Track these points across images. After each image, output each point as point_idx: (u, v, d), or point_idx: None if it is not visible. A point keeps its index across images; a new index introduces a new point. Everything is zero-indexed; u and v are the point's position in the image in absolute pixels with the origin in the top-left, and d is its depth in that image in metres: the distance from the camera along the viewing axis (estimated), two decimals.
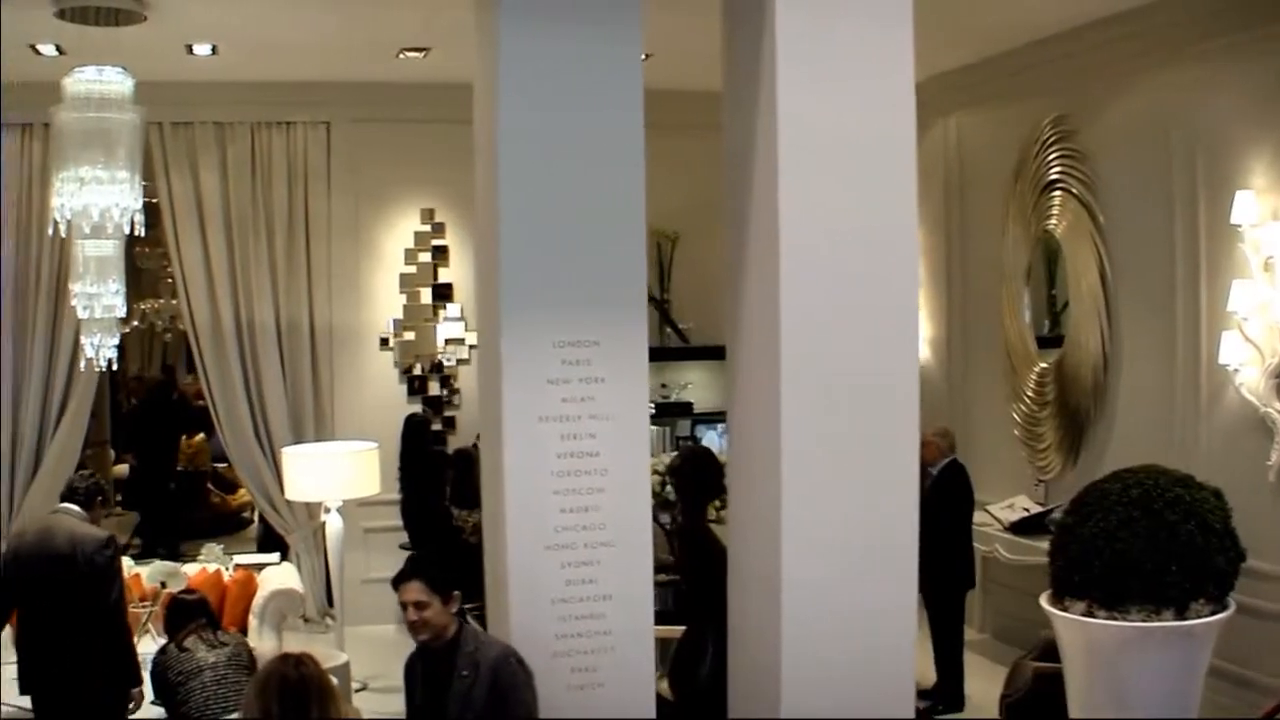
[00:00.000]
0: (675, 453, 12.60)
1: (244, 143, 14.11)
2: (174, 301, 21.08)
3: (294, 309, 14.21)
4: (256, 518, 18.68)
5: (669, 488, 10.83)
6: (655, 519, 8.46)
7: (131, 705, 9.02)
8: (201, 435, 19.65)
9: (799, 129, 7.29)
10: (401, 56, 12.71)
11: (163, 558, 14.54)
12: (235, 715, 8.38)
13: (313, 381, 14.32)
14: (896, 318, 7.51)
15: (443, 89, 13.45)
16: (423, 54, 12.61)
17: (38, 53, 12.05)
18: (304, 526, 14.20)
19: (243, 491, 19.21)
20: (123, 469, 19.45)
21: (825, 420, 7.31)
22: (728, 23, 7.96)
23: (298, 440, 13.72)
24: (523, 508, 7.54)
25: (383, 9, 11.07)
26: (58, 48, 11.86)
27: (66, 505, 8.98)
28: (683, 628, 9.51)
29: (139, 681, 8.95)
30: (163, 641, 10.22)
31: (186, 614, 8.95)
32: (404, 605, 6.99)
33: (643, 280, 7.81)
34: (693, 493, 9.54)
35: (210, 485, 19.08)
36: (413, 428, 13.98)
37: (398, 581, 7.05)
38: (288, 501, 13.84)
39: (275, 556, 12.94)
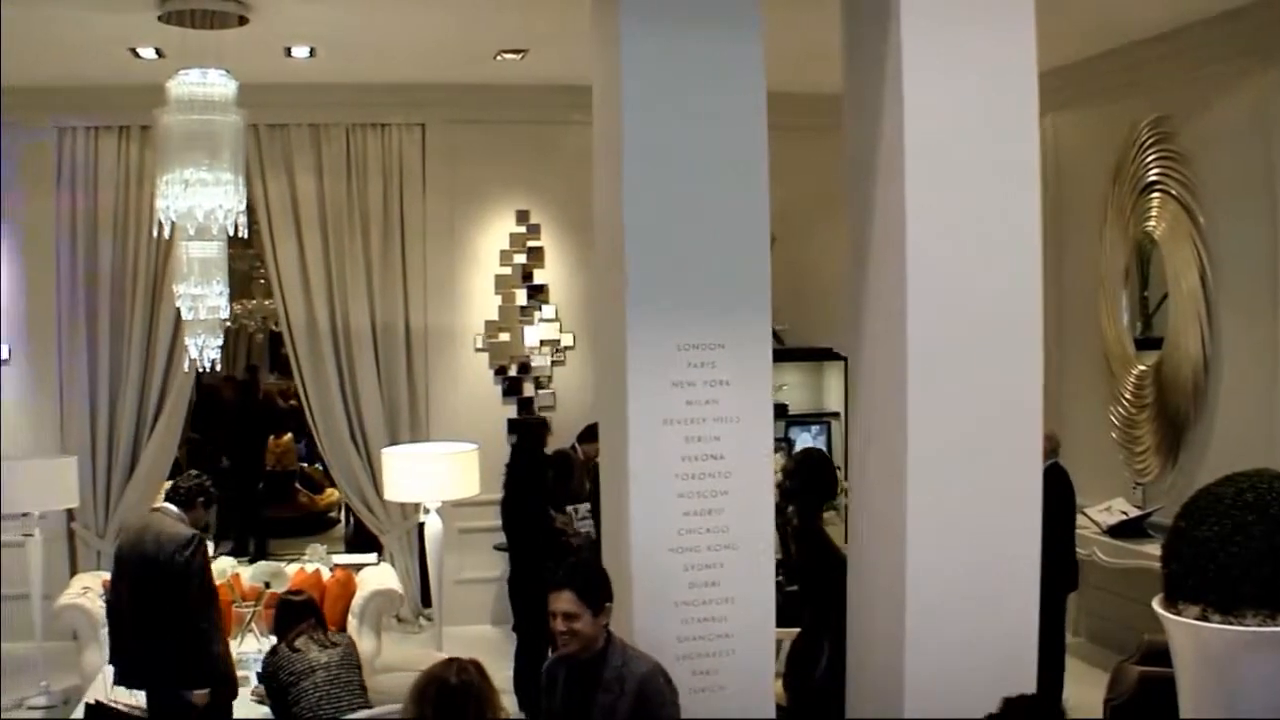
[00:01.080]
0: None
1: (339, 144, 14.18)
2: (266, 302, 21.23)
3: (389, 310, 14.26)
4: (343, 518, 18.79)
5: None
6: None
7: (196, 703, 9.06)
8: (289, 435, 19.72)
9: (925, 130, 7.28)
10: (499, 58, 12.69)
11: (252, 557, 14.65)
12: (359, 715, 8.44)
13: (407, 383, 14.37)
14: (1021, 323, 7.47)
15: (539, 90, 13.60)
16: (520, 55, 12.59)
17: (137, 56, 12.10)
18: (398, 527, 14.25)
19: (330, 491, 19.30)
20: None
21: (951, 423, 7.31)
22: (848, 24, 7.95)
23: (393, 441, 13.77)
24: (647, 510, 7.54)
25: (483, 11, 11.08)
26: (158, 51, 11.91)
27: (166, 505, 9.06)
28: (794, 630, 9.48)
29: (213, 684, 8.73)
30: (266, 642, 10.33)
31: (295, 614, 8.99)
32: (553, 615, 6.82)
33: (766, 283, 7.78)
34: (808, 495, 9.51)
35: (298, 485, 19.12)
36: (530, 430, 13.92)
37: (550, 589, 6.94)
38: (382, 501, 13.91)
39: (373, 557, 12.96)
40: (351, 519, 17.68)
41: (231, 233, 10.12)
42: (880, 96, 7.47)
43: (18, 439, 13.87)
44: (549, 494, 11.92)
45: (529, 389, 14.71)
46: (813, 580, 9.36)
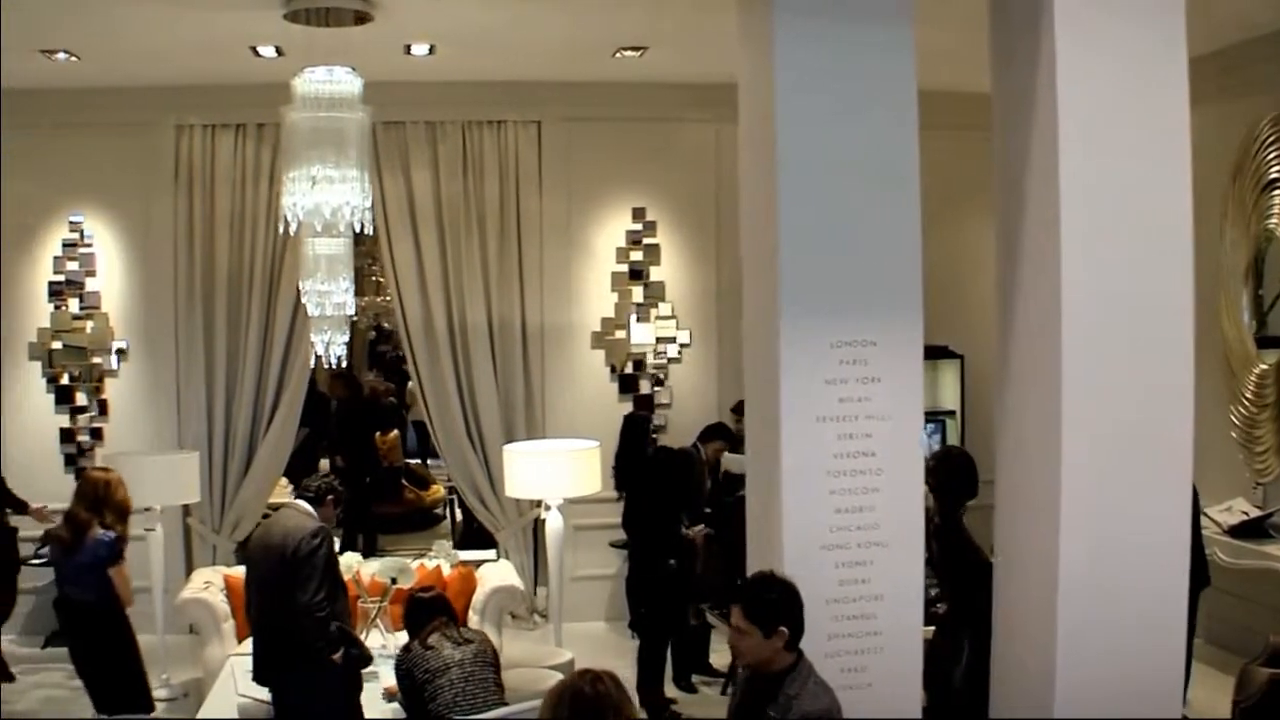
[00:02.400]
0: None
1: (455, 142, 14.18)
2: (378, 299, 21.30)
3: (505, 307, 14.26)
4: (449, 514, 18.82)
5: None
6: None
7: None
8: (395, 432, 19.75)
9: (1079, 128, 7.26)
10: (618, 56, 12.65)
11: (363, 554, 14.69)
12: (494, 713, 8.42)
13: (524, 380, 14.37)
14: (1174, 318, 7.42)
15: (656, 87, 13.58)
16: (640, 53, 12.55)
17: (257, 54, 12.17)
18: (513, 523, 14.25)
19: (436, 488, 19.34)
20: (324, 465, 19.61)
21: (1106, 420, 7.26)
22: (997, 23, 7.91)
23: (509, 439, 13.78)
24: (800, 507, 7.52)
25: (606, 9, 11.05)
26: (277, 49, 11.97)
27: (296, 501, 9.18)
28: (931, 628, 9.41)
29: (342, 645, 8.88)
30: (390, 638, 10.35)
31: (427, 611, 8.98)
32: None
33: (918, 279, 7.74)
34: (949, 493, 9.44)
35: (404, 481, 19.12)
36: (632, 426, 13.93)
37: (730, 600, 6.88)
38: (497, 498, 13.94)
39: (492, 553, 12.96)
40: (459, 515, 17.76)
41: (358, 230, 10.14)
42: (1032, 95, 7.43)
43: (136, 435, 14.05)
44: (672, 493, 11.85)
45: (645, 386, 14.67)
46: (954, 579, 9.29)
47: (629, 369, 14.67)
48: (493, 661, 8.85)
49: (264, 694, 9.34)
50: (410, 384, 22.45)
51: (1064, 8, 7.26)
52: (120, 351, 14.31)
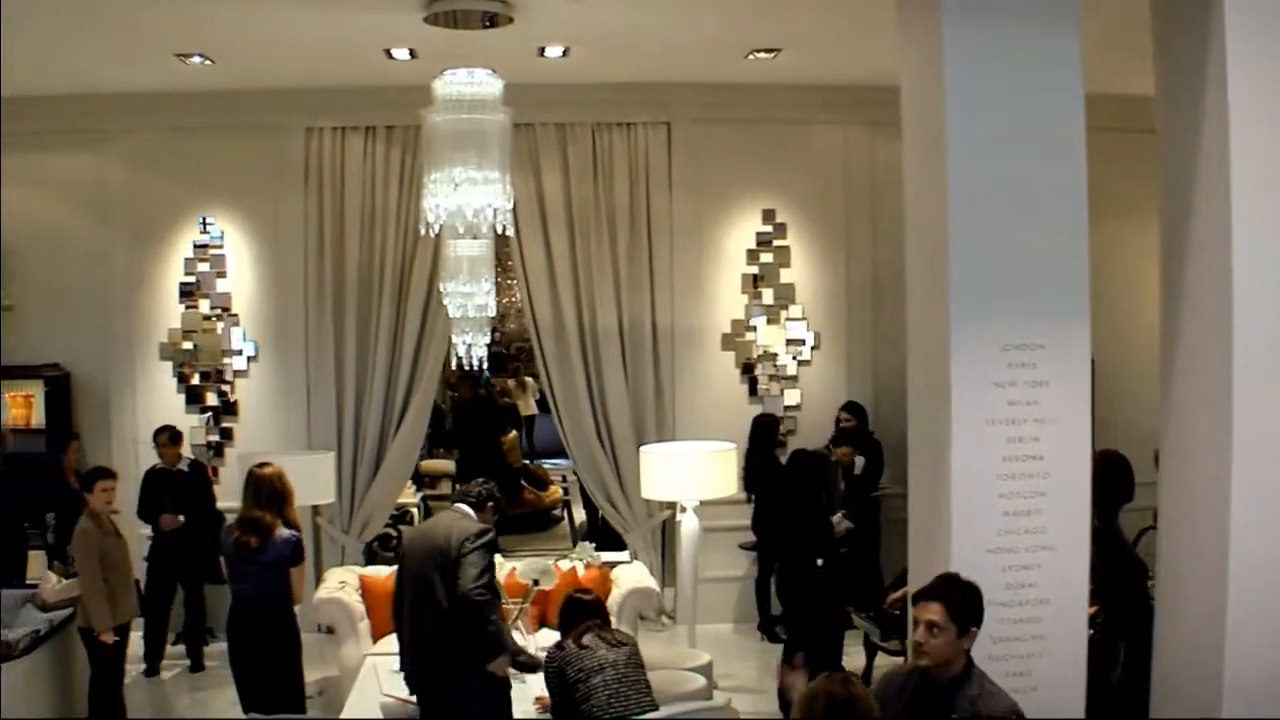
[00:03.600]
0: None
1: (585, 143, 14.22)
2: (504, 300, 21.35)
3: (635, 308, 14.27)
4: (566, 515, 18.85)
5: None
6: None
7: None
8: (514, 433, 19.82)
9: (1250, 135, 7.17)
10: (751, 57, 12.62)
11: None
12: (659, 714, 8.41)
13: (654, 381, 14.36)
14: None
15: (786, 89, 13.57)
16: (773, 55, 12.51)
17: (390, 56, 12.20)
18: (642, 525, 14.24)
19: (554, 489, 19.40)
20: (447, 465, 19.70)
21: (1278, 424, 7.17)
22: (1161, 24, 7.83)
23: (639, 440, 13.84)
24: (968, 511, 7.48)
25: (743, 10, 11.03)
26: (411, 52, 12.01)
27: (459, 505, 9.18)
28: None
29: (498, 651, 8.90)
30: (530, 639, 10.37)
31: (583, 613, 8.96)
32: (916, 622, 6.72)
33: (1085, 282, 7.66)
34: (1107, 496, 9.34)
35: (523, 482, 19.17)
36: (761, 429, 13.89)
37: (921, 596, 6.84)
38: (626, 499, 13.95)
39: (625, 554, 12.94)
40: (582, 515, 17.77)
41: (500, 231, 10.14)
42: (1201, 99, 7.35)
43: (265, 435, 14.17)
44: (807, 495, 11.81)
45: (775, 388, 14.58)
46: (1111, 583, 9.20)
47: (758, 371, 14.60)
48: (642, 664, 8.84)
49: (408, 694, 9.38)
50: (511, 382, 22.68)
51: (1235, 5, 7.18)
52: (250, 354, 14.46)
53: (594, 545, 12.90)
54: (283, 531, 9.96)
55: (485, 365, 11.95)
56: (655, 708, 8.65)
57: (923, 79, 7.86)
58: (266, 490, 10.10)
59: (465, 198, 9.69)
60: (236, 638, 10.11)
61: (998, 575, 7.49)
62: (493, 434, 18.86)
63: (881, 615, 11.38)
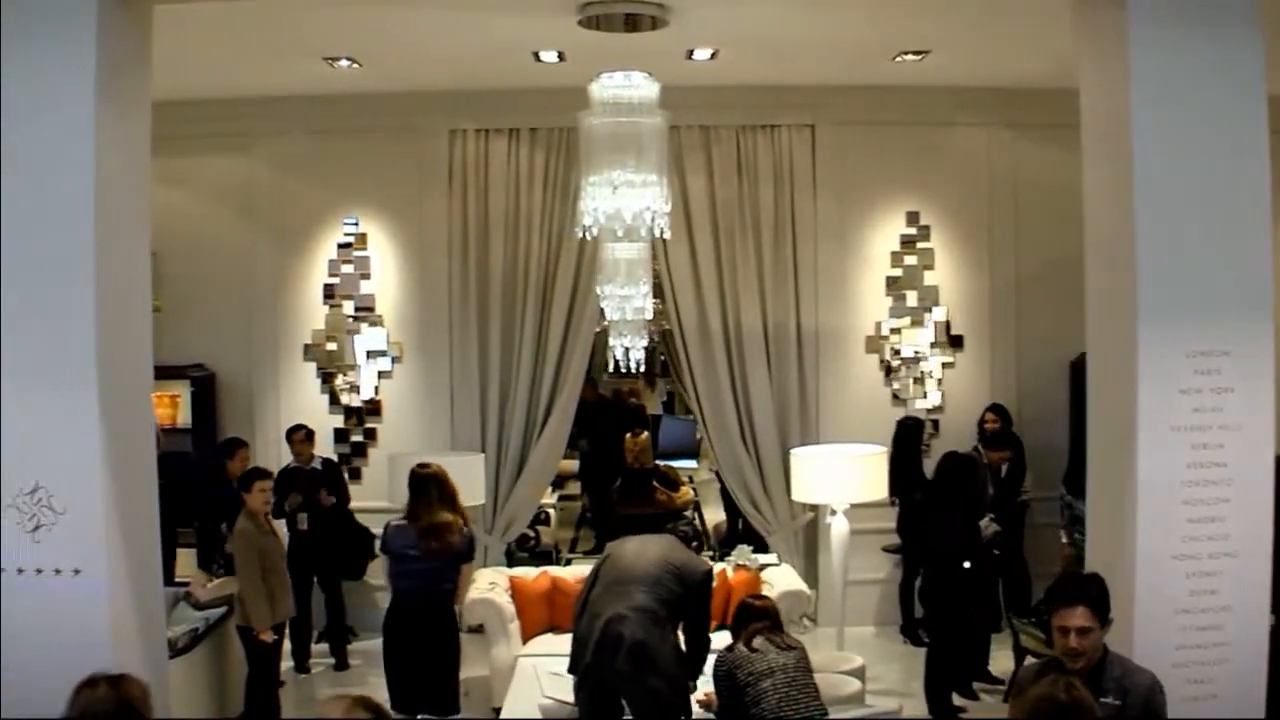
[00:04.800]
0: None
1: (729, 145, 14.22)
2: None
3: (780, 311, 14.25)
4: (698, 516, 18.83)
5: None
6: None
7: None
8: (646, 434, 19.80)
9: None
10: (898, 59, 12.58)
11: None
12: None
13: (798, 383, 14.34)
14: None
15: (930, 91, 13.52)
16: (920, 57, 12.47)
17: (538, 59, 12.23)
18: (785, 527, 14.23)
19: (685, 489, 19.35)
20: (571, 464, 19.75)
21: None
22: None
23: (783, 442, 13.92)
24: (1153, 518, 7.46)
25: (896, 12, 10.99)
26: (559, 55, 12.03)
27: (668, 535, 9.59)
28: None
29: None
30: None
31: (754, 616, 8.97)
32: (1064, 630, 6.69)
33: (1269, 288, 7.62)
34: None
35: (655, 483, 19.16)
36: (906, 432, 13.85)
37: (1061, 604, 6.80)
38: (770, 501, 13.97)
39: (774, 557, 12.92)
40: (704, 518, 17.78)
41: (657, 235, 10.15)
42: None
43: (408, 437, 14.25)
44: (957, 498, 11.74)
45: (917, 391, 14.55)
46: None
47: (901, 373, 14.56)
48: (811, 669, 8.83)
49: (571, 696, 9.42)
50: (639, 382, 22.66)
51: None
52: (394, 355, 14.57)
53: (752, 549, 12.85)
54: (462, 529, 10.16)
55: (642, 366, 11.94)
56: (824, 712, 8.64)
57: (1106, 83, 7.83)
58: (446, 489, 10.28)
59: (623, 201, 9.69)
60: (397, 636, 10.19)
61: (1180, 582, 7.47)
62: (618, 435, 18.86)
63: (1045, 622, 11.32)
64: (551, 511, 17.86)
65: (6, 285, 7.21)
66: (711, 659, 9.09)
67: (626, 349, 11.22)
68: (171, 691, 8.86)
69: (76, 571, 7.27)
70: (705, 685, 9.41)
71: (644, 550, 9.27)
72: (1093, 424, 8.33)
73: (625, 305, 10.97)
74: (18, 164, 7.21)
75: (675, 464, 20.83)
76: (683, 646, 9.17)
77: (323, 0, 10.15)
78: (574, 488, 20.19)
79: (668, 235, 10.23)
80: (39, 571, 7.30)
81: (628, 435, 18.96)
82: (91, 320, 7.19)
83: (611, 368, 12.24)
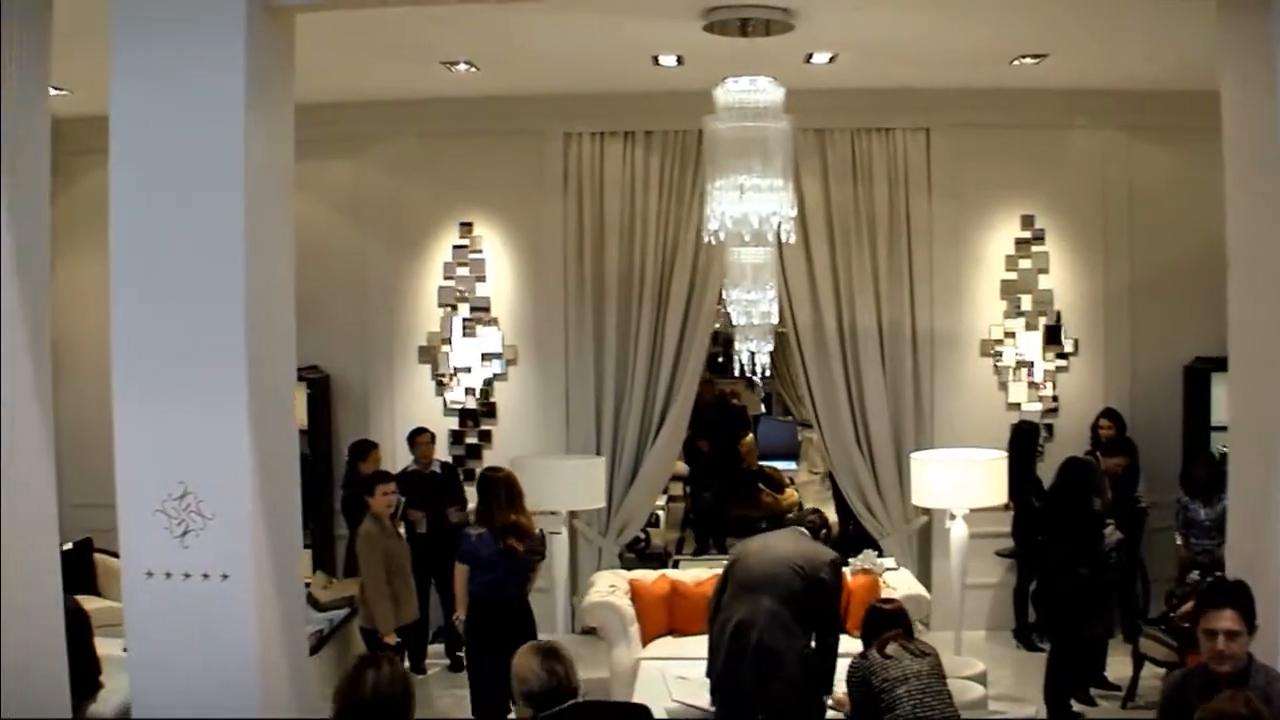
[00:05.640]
0: None
1: (844, 148, 14.22)
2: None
3: (895, 313, 14.25)
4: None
5: None
6: None
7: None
8: (751, 435, 19.83)
9: None
10: (1015, 63, 12.52)
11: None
12: None
13: (913, 387, 14.33)
14: None
15: (1046, 94, 13.47)
16: (1038, 60, 12.41)
17: (657, 63, 12.24)
18: (899, 530, 14.23)
19: (790, 491, 19.38)
20: (680, 466, 19.79)
21: None
22: None
23: (897, 445, 13.99)
24: None
25: (1016, 15, 10.90)
26: (679, 58, 12.04)
27: (798, 528, 9.51)
28: None
29: (830, 690, 9.26)
30: None
31: (887, 622, 8.96)
32: (1212, 633, 6.67)
33: None
34: None
35: (761, 485, 19.16)
36: (1021, 436, 13.80)
37: (1211, 606, 6.77)
38: (883, 504, 13.99)
39: (891, 560, 12.89)
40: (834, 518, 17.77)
41: (784, 239, 10.16)
42: None
43: (522, 439, 14.30)
44: (1076, 502, 11.69)
45: (1030, 395, 14.49)
46: None
47: (1015, 377, 14.50)
48: (944, 675, 8.82)
49: (701, 700, 9.45)
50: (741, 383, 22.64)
51: None
52: (509, 358, 14.63)
53: (877, 553, 12.84)
54: (535, 531, 10.35)
55: (768, 370, 11.94)
56: (959, 719, 8.64)
57: (1250, 91, 7.75)
58: (516, 492, 10.43)
59: (751, 205, 9.72)
60: (484, 639, 10.24)
61: None
62: (731, 436, 18.87)
63: (1173, 629, 11.28)
64: (661, 513, 17.87)
65: (158, 291, 7.28)
66: (843, 664, 9.07)
67: (752, 353, 11.24)
68: None
69: (225, 577, 7.29)
70: (838, 686, 9.37)
71: (768, 550, 9.32)
72: (1233, 421, 8.28)
73: (752, 310, 11.00)
74: (170, 173, 7.27)
75: (775, 465, 20.83)
76: (813, 647, 9.19)
77: (449, 7, 10.17)
78: (676, 488, 20.15)
79: (793, 240, 10.22)
80: (186, 576, 7.33)
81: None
82: (241, 324, 7.23)
83: (737, 372, 12.25)
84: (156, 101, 7.29)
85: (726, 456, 18.47)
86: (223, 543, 7.28)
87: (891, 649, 8.70)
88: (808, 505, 18.76)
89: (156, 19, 7.27)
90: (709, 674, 9.31)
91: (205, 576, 7.32)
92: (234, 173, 7.23)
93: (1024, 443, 13.67)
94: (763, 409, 25.41)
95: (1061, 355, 14.51)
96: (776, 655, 8.85)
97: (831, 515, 17.49)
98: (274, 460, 7.59)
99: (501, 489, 10.41)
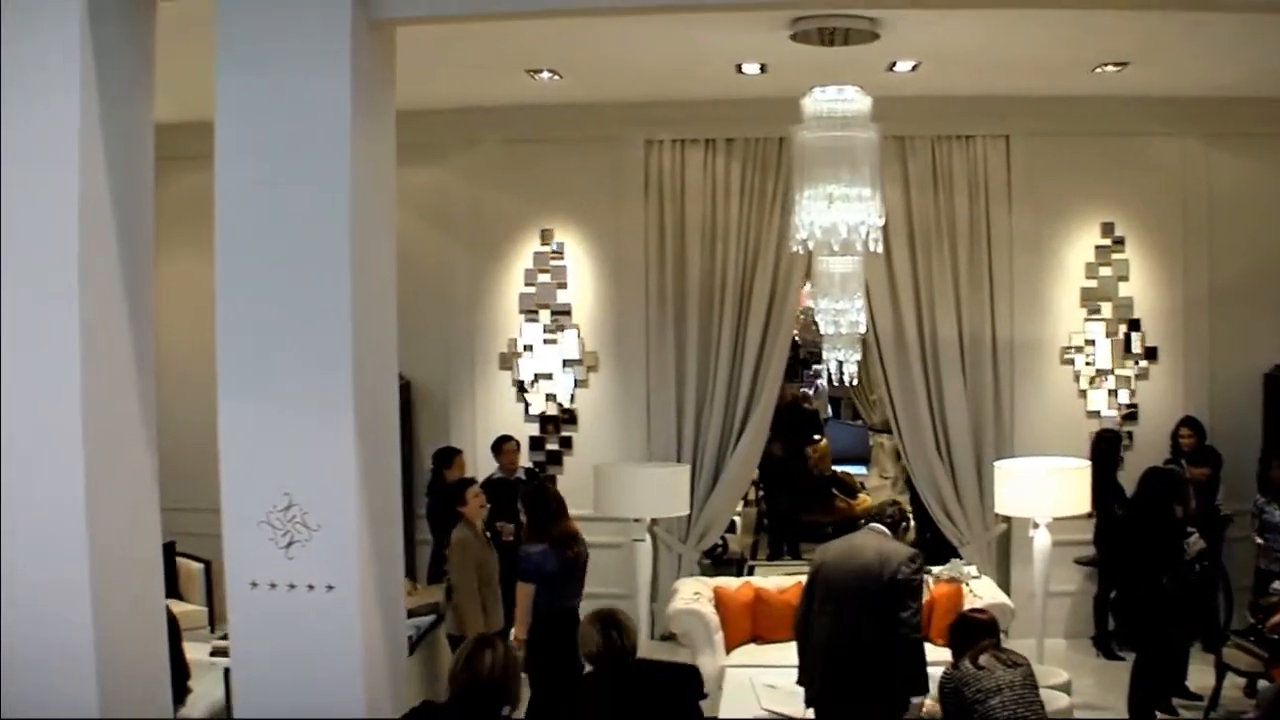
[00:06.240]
0: None
1: (924, 156, 14.25)
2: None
3: (975, 322, 14.26)
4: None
5: None
6: None
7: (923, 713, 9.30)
8: (825, 440, 19.85)
9: None
10: (1097, 71, 12.52)
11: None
12: None
13: (993, 394, 14.31)
14: None
15: (1124, 102, 13.49)
16: (1119, 68, 12.40)
17: (740, 72, 12.29)
18: (978, 538, 14.25)
19: (864, 497, 19.37)
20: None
21: None
22: None
23: (977, 453, 14.03)
24: None
25: (1099, 23, 10.85)
26: (762, 66, 12.08)
27: (874, 525, 9.33)
28: None
29: (925, 689, 9.12)
30: None
31: (979, 632, 8.94)
32: None
33: None
34: None
35: (834, 490, 19.18)
36: (1103, 444, 13.78)
37: None
38: (963, 511, 14.01)
39: (973, 568, 12.88)
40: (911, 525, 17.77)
41: (872, 248, 10.18)
42: None
43: (602, 446, 14.39)
44: (1160, 511, 11.67)
45: (1110, 403, 14.46)
46: None
47: (1095, 385, 14.48)
48: (1037, 685, 8.80)
49: (794, 710, 9.47)
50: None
51: None
52: (590, 364, 14.73)
53: (964, 561, 12.85)
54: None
55: (854, 379, 12.02)
56: None
57: None
58: (562, 503, 10.71)
59: (839, 214, 9.75)
60: (547, 652, 10.29)
61: None
62: (802, 440, 18.88)
63: (1264, 640, 11.27)
64: (737, 519, 17.92)
65: (267, 300, 7.35)
66: (933, 673, 9.06)
67: (840, 362, 11.28)
68: None
69: (329, 588, 7.35)
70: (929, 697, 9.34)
71: (850, 557, 9.27)
72: None
73: (840, 319, 11.04)
74: (276, 183, 7.35)
75: (844, 469, 20.84)
76: (893, 651, 9.07)
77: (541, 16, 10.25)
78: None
79: (880, 249, 10.25)
80: (291, 587, 7.40)
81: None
82: (348, 335, 7.30)
83: (824, 380, 12.28)
84: (262, 112, 7.38)
85: (795, 461, 18.41)
86: (328, 554, 7.35)
87: (984, 659, 8.64)
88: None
89: (261, 32, 7.36)
90: (800, 682, 9.33)
91: (310, 587, 7.38)
92: (340, 183, 7.30)
93: (1106, 451, 13.64)
94: (829, 412, 25.31)
95: (1141, 363, 14.47)
96: (867, 666, 8.84)
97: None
98: (378, 470, 7.66)
99: (551, 501, 10.51)
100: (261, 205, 7.37)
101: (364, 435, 7.41)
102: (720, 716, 10.49)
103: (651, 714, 7.42)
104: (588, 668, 7.33)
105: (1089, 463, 12.22)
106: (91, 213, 7.03)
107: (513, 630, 10.61)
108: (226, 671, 10.35)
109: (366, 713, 7.41)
